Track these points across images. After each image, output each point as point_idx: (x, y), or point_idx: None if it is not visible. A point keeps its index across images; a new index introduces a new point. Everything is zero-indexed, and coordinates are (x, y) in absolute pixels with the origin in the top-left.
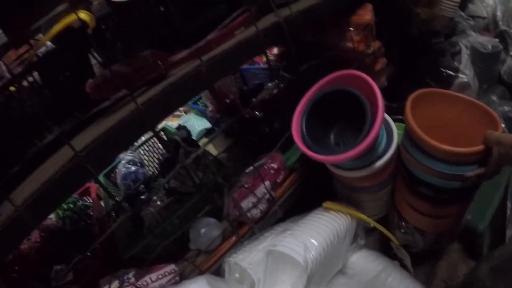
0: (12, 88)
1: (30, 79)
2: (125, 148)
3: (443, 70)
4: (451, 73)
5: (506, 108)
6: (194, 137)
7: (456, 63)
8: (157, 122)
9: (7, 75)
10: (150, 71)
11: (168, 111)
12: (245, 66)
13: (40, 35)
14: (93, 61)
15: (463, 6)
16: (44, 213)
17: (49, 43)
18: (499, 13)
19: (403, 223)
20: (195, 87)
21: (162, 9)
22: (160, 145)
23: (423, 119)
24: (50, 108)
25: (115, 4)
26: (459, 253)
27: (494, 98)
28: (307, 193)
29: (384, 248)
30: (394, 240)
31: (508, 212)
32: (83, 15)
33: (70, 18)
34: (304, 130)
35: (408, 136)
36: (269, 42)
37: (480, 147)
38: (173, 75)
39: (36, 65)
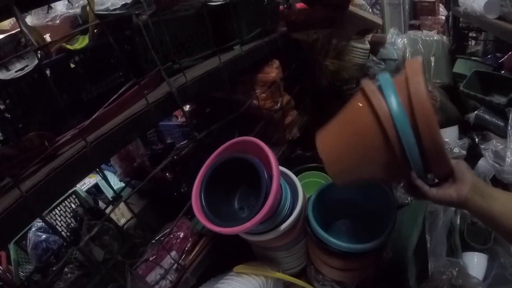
0: None
1: None
2: (12, 238)
3: None
4: None
5: None
6: (111, 195)
7: None
8: (46, 208)
9: None
10: (37, 153)
11: (56, 196)
12: (161, 123)
13: None
14: None
15: (375, 51)
16: None
17: None
18: (408, 55)
19: (320, 276)
20: (82, 169)
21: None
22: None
23: None
24: None
25: (0, 80)
26: None
27: None
28: (223, 254)
29: None
30: None
31: (429, 245)
32: None
33: None
34: (203, 201)
35: None
36: (161, 114)
37: None
38: (62, 155)
39: None
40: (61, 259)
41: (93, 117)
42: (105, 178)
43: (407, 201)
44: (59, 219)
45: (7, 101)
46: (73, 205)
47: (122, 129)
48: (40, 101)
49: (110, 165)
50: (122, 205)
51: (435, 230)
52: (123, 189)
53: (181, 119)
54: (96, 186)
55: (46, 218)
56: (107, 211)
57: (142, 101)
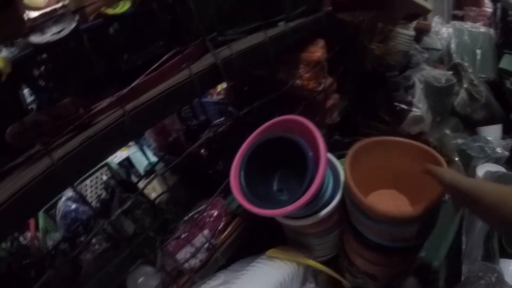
0: None
1: None
2: (41, 207)
3: (396, 104)
4: (405, 107)
5: (459, 141)
6: (142, 169)
7: (409, 97)
8: (77, 179)
9: None
10: (71, 120)
11: (89, 166)
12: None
13: None
14: None
15: (418, 39)
16: None
17: None
18: (453, 46)
19: (352, 268)
20: (118, 139)
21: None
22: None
23: (366, 169)
24: None
25: (35, 45)
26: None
27: (447, 131)
28: (255, 236)
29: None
30: (345, 282)
31: (464, 246)
32: None
33: None
34: (243, 180)
35: (349, 196)
36: (205, 86)
37: (420, 211)
38: (97, 124)
39: None
40: (90, 230)
41: (133, 84)
42: (142, 150)
43: (444, 198)
44: (90, 190)
45: (42, 67)
46: (104, 177)
47: (163, 99)
48: (77, 69)
49: (144, 139)
50: None
51: (472, 232)
52: (156, 163)
53: (216, 97)
54: (127, 159)
55: (78, 189)
56: (141, 184)
57: (183, 72)
